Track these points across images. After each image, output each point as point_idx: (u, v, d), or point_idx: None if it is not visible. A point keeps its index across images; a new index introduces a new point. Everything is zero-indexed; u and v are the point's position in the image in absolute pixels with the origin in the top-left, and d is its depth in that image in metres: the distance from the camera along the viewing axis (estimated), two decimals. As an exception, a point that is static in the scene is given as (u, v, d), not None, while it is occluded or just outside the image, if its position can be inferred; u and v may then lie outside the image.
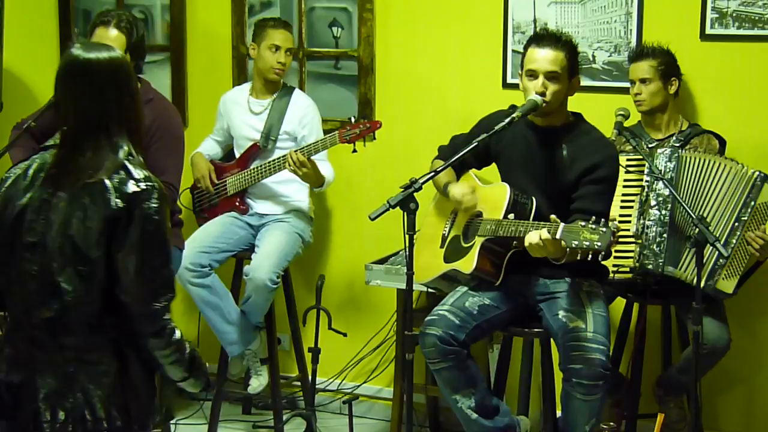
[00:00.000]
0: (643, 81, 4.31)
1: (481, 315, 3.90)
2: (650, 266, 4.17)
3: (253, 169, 4.73)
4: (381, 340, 5.05)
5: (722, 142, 4.33)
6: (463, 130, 4.19)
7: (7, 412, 2.72)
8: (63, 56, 2.79)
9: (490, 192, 4.01)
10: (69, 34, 5.59)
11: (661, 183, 4.14)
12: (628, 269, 4.22)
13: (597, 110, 4.26)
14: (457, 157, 3.70)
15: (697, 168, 4.16)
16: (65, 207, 2.64)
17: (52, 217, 2.65)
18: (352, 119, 4.49)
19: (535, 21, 4.67)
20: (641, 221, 4.20)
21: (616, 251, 4.12)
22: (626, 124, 4.31)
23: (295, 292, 4.96)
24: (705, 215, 4.03)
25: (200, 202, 4.98)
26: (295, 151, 4.51)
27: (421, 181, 3.52)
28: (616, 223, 3.44)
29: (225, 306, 4.64)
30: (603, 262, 3.95)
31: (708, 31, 4.42)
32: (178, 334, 2.71)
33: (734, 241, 4.07)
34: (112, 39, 4.07)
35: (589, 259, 3.42)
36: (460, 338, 3.82)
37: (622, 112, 4.29)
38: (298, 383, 5.07)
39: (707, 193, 4.14)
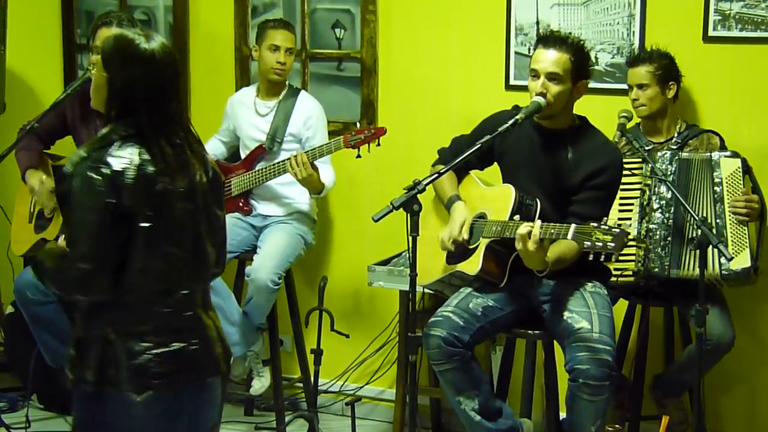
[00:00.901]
0: (640, 86, 4.31)
1: (485, 316, 3.90)
2: (656, 270, 4.17)
3: (258, 170, 4.73)
4: (383, 341, 5.05)
5: (722, 139, 4.33)
6: (466, 132, 4.19)
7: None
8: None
9: (494, 193, 4.01)
10: (72, 36, 5.60)
11: (663, 186, 4.14)
12: (630, 273, 4.22)
13: (599, 112, 4.26)
14: (461, 158, 3.70)
15: (696, 169, 4.17)
16: None
17: None
18: (358, 124, 4.49)
19: (537, 23, 4.67)
20: (643, 224, 4.20)
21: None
22: (627, 126, 4.32)
23: (297, 293, 4.96)
24: (705, 216, 4.05)
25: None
26: (298, 154, 4.51)
27: (424, 182, 3.53)
28: (628, 223, 3.45)
29: (227, 307, 4.64)
30: (606, 264, 3.96)
31: (711, 33, 4.42)
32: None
33: (721, 221, 4.08)
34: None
35: (590, 258, 3.44)
36: (464, 340, 3.82)
37: (625, 114, 4.30)
38: (301, 384, 5.06)
39: (699, 191, 4.16)
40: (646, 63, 4.30)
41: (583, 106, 4.00)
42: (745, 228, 4.10)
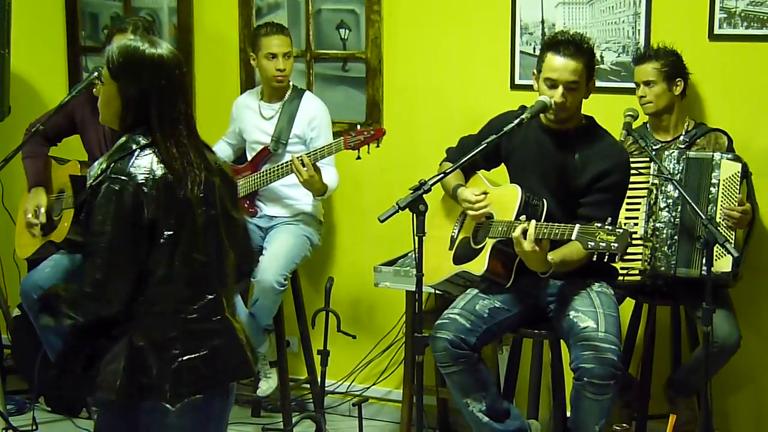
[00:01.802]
0: (647, 83, 4.30)
1: (492, 318, 3.89)
2: (663, 269, 4.17)
3: (263, 172, 4.73)
4: (390, 342, 5.05)
5: (730, 139, 4.32)
6: (471, 132, 4.19)
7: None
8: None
9: (500, 193, 4.00)
10: (76, 38, 5.60)
11: (670, 185, 4.14)
12: (637, 272, 4.22)
13: (605, 111, 4.24)
14: (467, 158, 3.70)
15: (706, 168, 4.16)
16: None
17: None
18: (358, 126, 4.49)
19: (543, 22, 4.67)
20: (650, 223, 4.20)
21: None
22: (633, 125, 4.31)
23: (303, 294, 4.96)
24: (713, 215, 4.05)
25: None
26: (301, 156, 4.51)
27: (430, 182, 3.52)
28: (632, 223, 3.45)
29: (234, 308, 4.64)
30: (612, 264, 3.95)
31: (716, 31, 4.41)
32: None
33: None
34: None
35: (594, 259, 3.43)
36: (471, 342, 3.82)
37: (630, 113, 4.29)
38: (308, 385, 5.06)
39: (700, 189, 4.16)
40: (652, 60, 4.29)
41: (588, 105, 3.99)
42: (733, 233, 4.09)
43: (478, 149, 3.71)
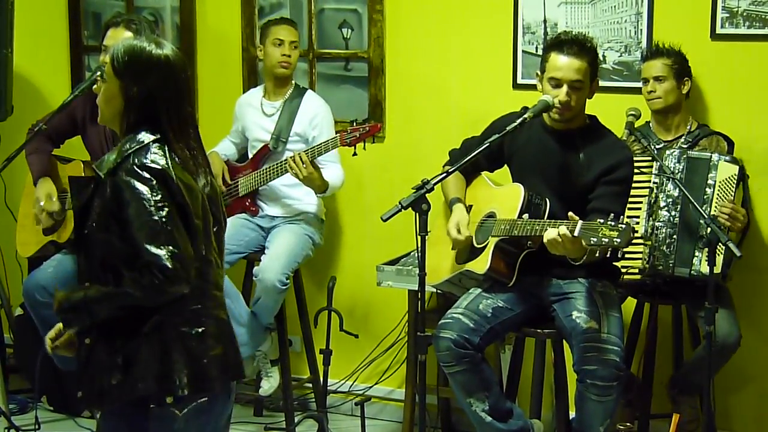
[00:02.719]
0: (657, 79, 4.29)
1: (495, 317, 3.90)
2: (660, 267, 4.17)
3: (263, 170, 4.73)
4: (392, 341, 5.05)
5: (730, 144, 4.32)
6: (474, 131, 4.19)
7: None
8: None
9: (503, 192, 4.00)
10: (79, 38, 5.61)
11: (670, 184, 4.14)
12: (636, 270, 4.22)
13: (607, 110, 4.25)
14: (469, 157, 3.70)
15: (703, 168, 4.16)
16: None
17: None
18: (354, 123, 4.49)
19: (545, 21, 4.67)
20: (650, 222, 4.20)
21: (625, 252, 4.12)
22: (636, 124, 4.32)
23: (306, 293, 4.96)
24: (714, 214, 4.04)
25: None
26: (297, 154, 4.51)
27: (433, 182, 3.52)
28: (635, 219, 3.44)
29: (236, 307, 4.64)
30: (614, 263, 3.95)
31: (719, 30, 4.41)
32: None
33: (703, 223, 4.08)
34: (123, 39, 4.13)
35: (607, 256, 3.42)
36: (474, 341, 3.82)
37: (633, 112, 4.30)
38: (310, 385, 5.07)
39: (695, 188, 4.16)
40: (663, 56, 4.29)
41: (591, 104, 3.99)
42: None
43: (481, 149, 3.71)
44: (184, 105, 2.84)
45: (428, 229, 3.51)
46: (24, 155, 4.65)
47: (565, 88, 3.79)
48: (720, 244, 3.77)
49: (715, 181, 4.12)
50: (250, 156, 4.89)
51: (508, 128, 3.75)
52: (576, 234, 3.46)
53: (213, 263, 2.84)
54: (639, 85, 4.39)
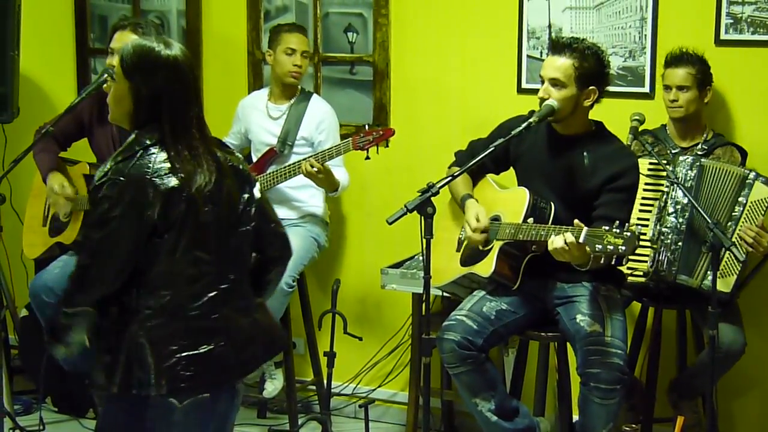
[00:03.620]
0: (680, 88, 4.25)
1: (499, 320, 3.91)
2: (663, 273, 4.17)
3: (270, 173, 4.75)
4: (396, 344, 5.06)
5: (744, 154, 4.31)
6: (478, 135, 4.21)
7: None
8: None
9: (508, 196, 4.02)
10: (85, 41, 5.62)
11: (679, 190, 4.12)
12: (641, 273, 4.23)
13: (612, 116, 4.25)
14: (475, 161, 3.72)
15: (717, 177, 4.15)
16: None
17: None
18: (367, 126, 4.51)
19: (549, 27, 4.69)
20: (658, 227, 4.20)
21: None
22: (650, 127, 4.31)
23: (310, 296, 4.97)
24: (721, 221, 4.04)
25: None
26: (309, 157, 4.53)
27: (438, 185, 3.54)
28: (640, 227, 3.45)
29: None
30: (619, 267, 3.96)
31: (723, 36, 4.42)
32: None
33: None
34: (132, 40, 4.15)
35: (613, 263, 3.43)
36: (477, 343, 3.83)
37: (637, 117, 4.28)
38: (314, 387, 5.07)
39: (718, 200, 4.14)
40: (687, 65, 4.25)
41: (595, 109, 4.00)
42: (745, 256, 4.05)
43: (486, 152, 3.73)
44: (191, 105, 2.87)
45: (433, 232, 3.53)
46: (30, 158, 4.66)
47: (545, 84, 3.82)
48: (723, 248, 3.77)
49: (747, 200, 4.09)
50: (255, 159, 4.91)
51: (513, 132, 3.77)
52: (581, 241, 3.47)
53: (198, 263, 2.84)
54: (643, 90, 4.39)
